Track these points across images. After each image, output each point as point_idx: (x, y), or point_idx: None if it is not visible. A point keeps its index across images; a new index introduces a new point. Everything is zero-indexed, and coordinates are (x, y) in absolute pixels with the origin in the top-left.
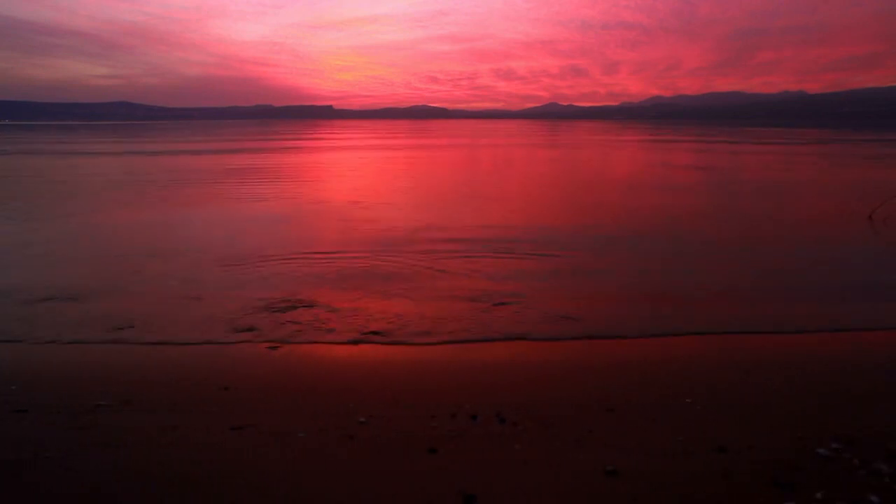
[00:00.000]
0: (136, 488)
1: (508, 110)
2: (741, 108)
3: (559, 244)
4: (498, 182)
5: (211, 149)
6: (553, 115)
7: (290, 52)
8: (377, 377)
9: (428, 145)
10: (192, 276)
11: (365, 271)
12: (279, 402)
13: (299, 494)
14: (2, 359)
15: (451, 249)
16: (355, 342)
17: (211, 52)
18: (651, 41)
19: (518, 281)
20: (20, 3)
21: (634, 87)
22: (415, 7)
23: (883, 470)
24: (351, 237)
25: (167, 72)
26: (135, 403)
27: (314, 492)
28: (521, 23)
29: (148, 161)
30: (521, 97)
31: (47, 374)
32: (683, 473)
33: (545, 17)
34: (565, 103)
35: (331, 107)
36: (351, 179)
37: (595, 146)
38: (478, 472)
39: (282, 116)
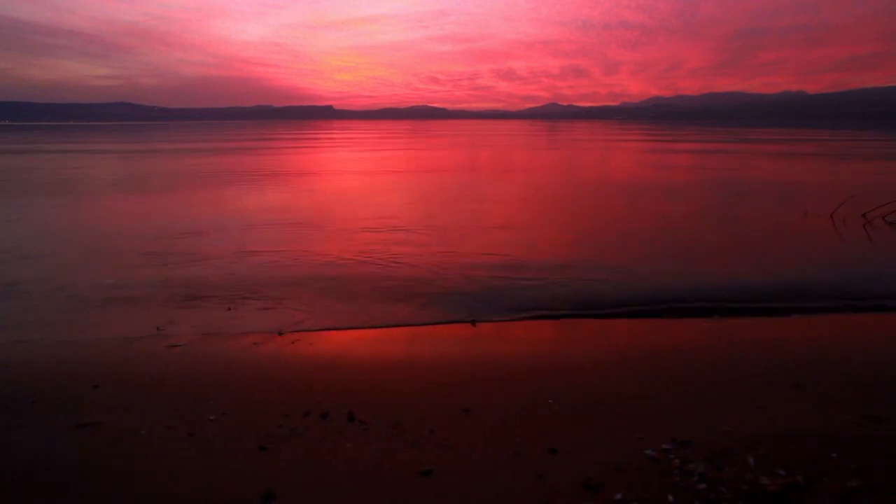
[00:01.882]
0: None
1: (508, 111)
2: (741, 108)
3: None
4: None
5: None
6: (553, 115)
7: (290, 52)
8: (250, 374)
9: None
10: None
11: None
12: (143, 399)
13: (116, 491)
14: None
15: None
16: (256, 345)
17: (211, 53)
18: (652, 41)
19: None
20: (20, 3)
21: (635, 87)
22: (415, 7)
23: (695, 470)
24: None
25: (167, 72)
26: None
27: (131, 487)
28: (522, 23)
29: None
30: (522, 97)
31: None
32: (501, 475)
33: (546, 17)
34: (565, 103)
35: (331, 107)
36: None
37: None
38: (293, 472)
39: (282, 117)
